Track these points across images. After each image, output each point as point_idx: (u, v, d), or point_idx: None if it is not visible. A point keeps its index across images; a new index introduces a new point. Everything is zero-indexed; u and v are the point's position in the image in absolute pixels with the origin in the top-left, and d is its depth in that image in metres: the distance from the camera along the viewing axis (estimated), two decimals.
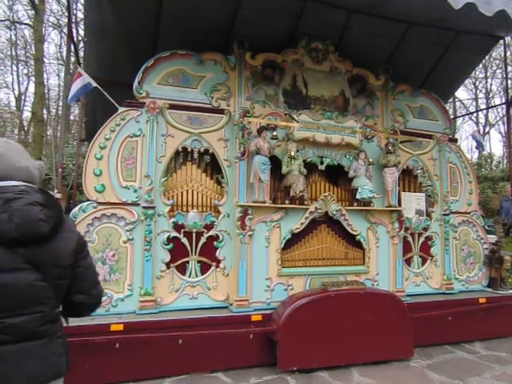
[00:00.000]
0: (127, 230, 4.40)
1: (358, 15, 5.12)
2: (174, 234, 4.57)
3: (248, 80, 4.99)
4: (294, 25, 5.23)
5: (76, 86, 4.48)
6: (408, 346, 4.69)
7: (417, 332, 4.73)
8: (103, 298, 4.15)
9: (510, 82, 7.96)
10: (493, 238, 6.49)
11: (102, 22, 4.88)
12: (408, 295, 5.31)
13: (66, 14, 4.77)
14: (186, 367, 4.20)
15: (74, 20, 14.32)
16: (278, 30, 5.18)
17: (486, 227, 6.95)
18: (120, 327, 3.97)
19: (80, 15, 13.66)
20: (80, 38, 12.86)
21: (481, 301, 5.51)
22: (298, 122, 4.91)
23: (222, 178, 4.83)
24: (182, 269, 4.58)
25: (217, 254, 4.71)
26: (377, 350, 4.54)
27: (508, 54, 18.22)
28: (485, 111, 24.13)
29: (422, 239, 5.75)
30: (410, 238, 5.65)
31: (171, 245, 4.55)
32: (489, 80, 24.03)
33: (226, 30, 5.16)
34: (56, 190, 4.07)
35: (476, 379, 4.26)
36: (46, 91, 18.37)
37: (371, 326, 4.52)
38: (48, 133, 18.48)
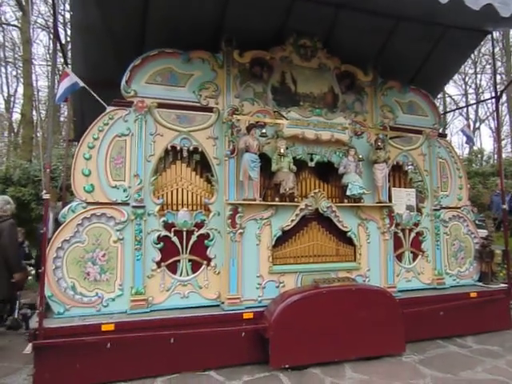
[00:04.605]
0: (117, 230, 4.37)
1: (346, 11, 5.11)
2: (165, 232, 4.55)
3: (236, 78, 4.98)
4: (282, 21, 5.21)
5: (63, 86, 4.42)
6: (400, 342, 4.71)
7: (409, 327, 4.75)
8: (94, 298, 4.18)
9: (498, 77, 8.04)
10: (483, 233, 6.52)
11: (88, 21, 4.83)
12: (399, 291, 5.32)
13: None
14: (178, 366, 4.19)
15: (61, 21, 14.24)
16: (266, 26, 5.15)
17: (477, 222, 6.98)
18: (111, 327, 3.96)
19: (68, 16, 13.55)
20: (68, 40, 12.73)
21: (472, 295, 5.56)
22: (287, 119, 4.90)
23: (212, 176, 4.81)
24: (172, 268, 4.56)
25: (208, 252, 4.69)
26: (369, 346, 4.55)
27: (496, 49, 18.36)
28: (475, 107, 24.29)
29: (412, 235, 5.78)
30: (400, 234, 5.68)
31: (162, 244, 4.52)
32: (478, 75, 24.17)
33: (213, 28, 5.12)
34: (44, 191, 4.00)
35: (468, 373, 4.29)
36: (35, 93, 18.17)
37: (363, 322, 4.54)
38: (38, 134, 18.31)
